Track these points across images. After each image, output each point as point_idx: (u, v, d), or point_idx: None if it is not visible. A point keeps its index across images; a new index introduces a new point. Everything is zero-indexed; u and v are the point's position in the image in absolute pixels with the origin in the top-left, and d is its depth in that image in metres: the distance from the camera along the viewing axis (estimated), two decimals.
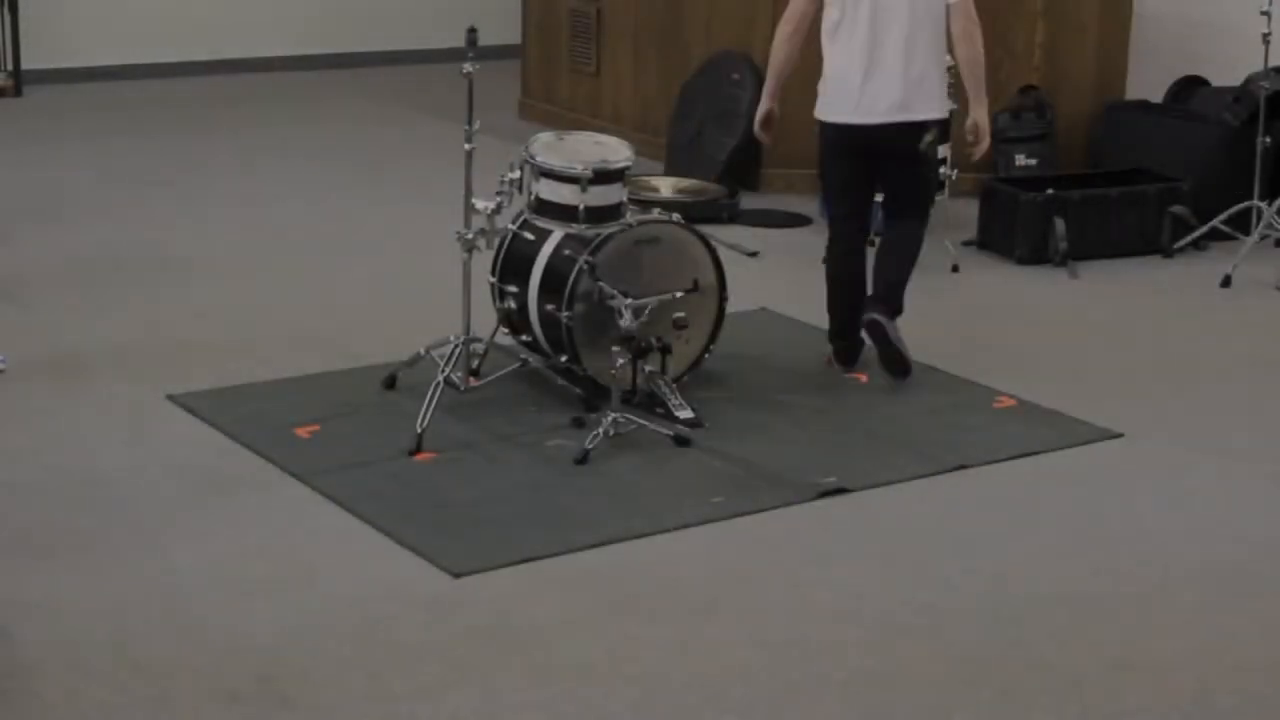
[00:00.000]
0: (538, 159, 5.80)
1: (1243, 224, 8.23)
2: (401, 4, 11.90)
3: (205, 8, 11.45)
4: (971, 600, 4.57)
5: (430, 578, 4.60)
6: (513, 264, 5.86)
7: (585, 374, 5.69)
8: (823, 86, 6.04)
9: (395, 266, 7.40)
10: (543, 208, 5.84)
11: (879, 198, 6.24)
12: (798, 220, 8.14)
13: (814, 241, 7.12)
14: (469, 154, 5.60)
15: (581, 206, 5.72)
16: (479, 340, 5.68)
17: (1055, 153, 8.60)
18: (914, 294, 6.95)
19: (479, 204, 5.61)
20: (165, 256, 7.48)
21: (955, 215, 8.27)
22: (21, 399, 5.74)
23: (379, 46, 11.89)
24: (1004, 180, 8.07)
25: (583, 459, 5.28)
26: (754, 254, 7.51)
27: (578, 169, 5.72)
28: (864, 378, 5.94)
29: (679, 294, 5.60)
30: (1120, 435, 5.73)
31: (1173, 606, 4.57)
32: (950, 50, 6.08)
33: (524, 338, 5.91)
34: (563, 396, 5.76)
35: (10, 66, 10.71)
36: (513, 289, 5.74)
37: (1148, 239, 7.89)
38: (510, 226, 5.78)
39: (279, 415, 5.66)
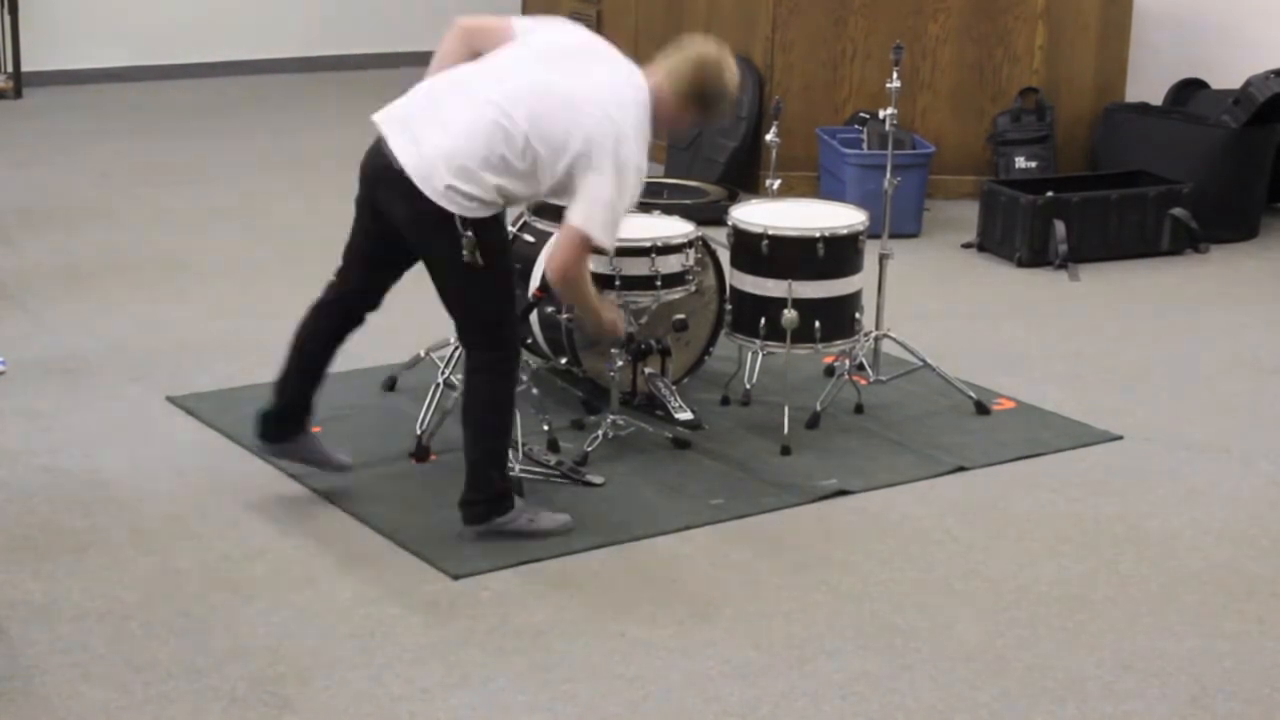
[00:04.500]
0: None
1: (1243, 226, 8.24)
2: (401, 6, 11.91)
3: (205, 10, 11.46)
4: (971, 600, 4.57)
5: (430, 578, 4.60)
6: None
7: (585, 376, 5.69)
8: None
9: None
10: (543, 210, 5.84)
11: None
12: None
13: None
14: None
15: None
16: None
17: (1055, 155, 8.61)
18: (915, 295, 6.96)
19: None
20: (165, 257, 7.48)
21: (956, 218, 8.30)
22: (21, 399, 5.74)
23: (379, 48, 11.89)
24: (1004, 182, 8.08)
25: (582, 461, 5.28)
26: None
27: None
28: (864, 380, 5.94)
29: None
30: (1120, 436, 5.73)
31: (1173, 606, 4.57)
32: None
33: (525, 339, 5.91)
34: (562, 398, 5.76)
35: (10, 68, 10.72)
36: None
37: (1148, 241, 7.90)
38: (510, 228, 5.76)
39: None
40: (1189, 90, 8.80)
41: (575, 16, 9.91)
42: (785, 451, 5.48)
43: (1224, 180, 8.12)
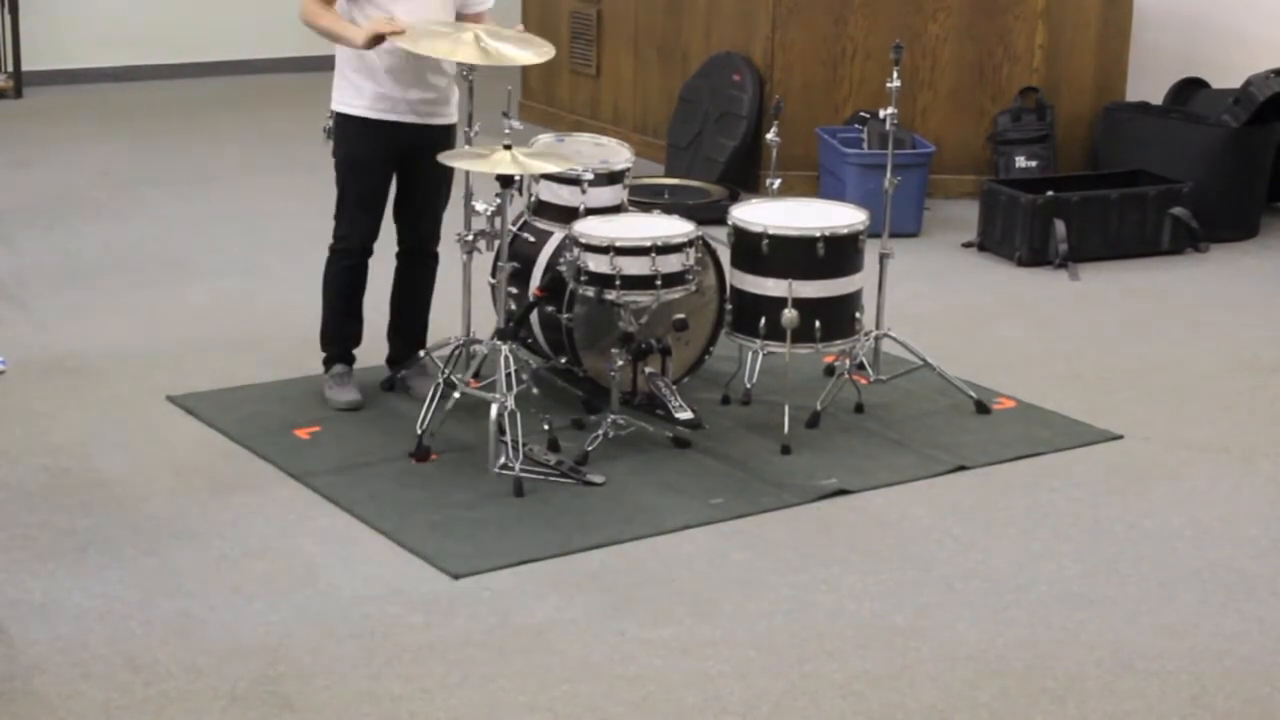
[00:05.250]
0: None
1: (1243, 225, 8.24)
2: None
3: (205, 10, 11.45)
4: (971, 600, 4.57)
5: (430, 578, 4.61)
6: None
7: (585, 375, 5.69)
8: None
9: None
10: (542, 209, 5.85)
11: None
12: None
13: None
14: None
15: (582, 208, 5.72)
16: (479, 342, 5.68)
17: (1055, 154, 8.61)
18: (915, 295, 6.95)
19: (479, 206, 5.62)
20: (165, 256, 7.48)
21: (956, 217, 8.30)
22: (21, 399, 5.74)
23: None
24: (1004, 182, 8.08)
25: (582, 460, 5.28)
26: None
27: (578, 171, 5.72)
28: (864, 379, 5.94)
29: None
30: (1120, 435, 5.73)
31: (1172, 606, 4.57)
32: None
33: (526, 339, 5.91)
34: (562, 398, 5.76)
35: (10, 68, 10.72)
36: (513, 291, 5.73)
37: (1148, 241, 7.90)
38: (510, 228, 5.78)
39: (279, 415, 5.66)
40: (1189, 90, 8.80)
41: (575, 16, 9.96)
42: (785, 451, 5.48)
43: (1224, 179, 8.11)
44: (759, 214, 5.63)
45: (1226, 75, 8.63)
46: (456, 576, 4.61)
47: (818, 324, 5.52)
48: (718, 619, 4.43)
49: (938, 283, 7.43)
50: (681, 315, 5.58)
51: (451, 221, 5.91)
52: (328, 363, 5.83)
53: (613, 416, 5.42)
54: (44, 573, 4.56)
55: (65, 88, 10.95)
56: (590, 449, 5.33)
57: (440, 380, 5.49)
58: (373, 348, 6.30)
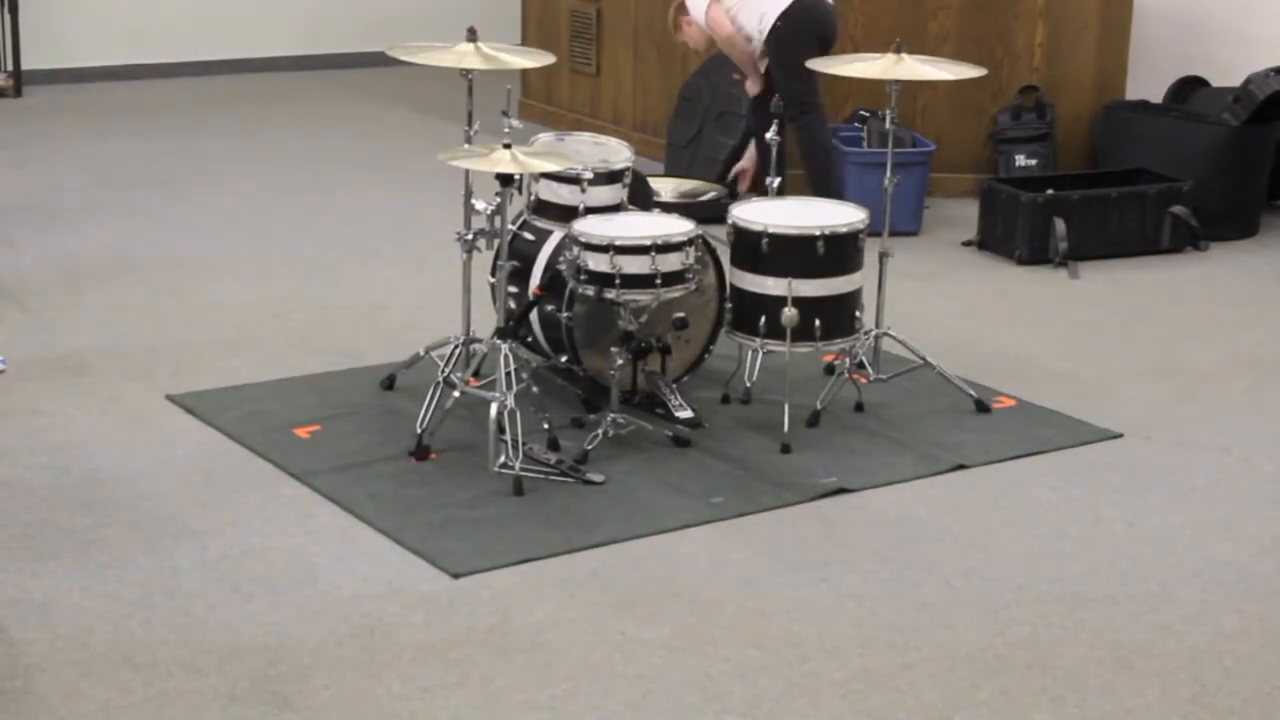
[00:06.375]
0: None
1: (1243, 224, 8.25)
2: (401, 4, 11.91)
3: (205, 8, 11.46)
4: (971, 600, 4.57)
5: (430, 578, 4.61)
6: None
7: (585, 374, 5.69)
8: None
9: (395, 267, 7.41)
10: (542, 208, 5.85)
11: None
12: None
13: None
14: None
15: (581, 207, 5.72)
16: (478, 341, 5.68)
17: (1055, 153, 8.61)
18: (915, 293, 6.96)
19: (479, 204, 5.62)
20: (165, 256, 7.48)
21: (956, 215, 8.30)
22: (21, 399, 5.74)
23: (379, 46, 11.88)
24: (1004, 180, 8.08)
25: (582, 459, 5.28)
26: None
27: (577, 169, 5.72)
28: (864, 378, 5.94)
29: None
30: (1120, 435, 5.73)
31: (1173, 606, 4.57)
32: None
33: (525, 338, 5.91)
34: (562, 397, 5.76)
35: (10, 67, 10.72)
36: (512, 289, 5.73)
37: (1148, 239, 7.90)
38: (510, 227, 5.77)
39: (279, 415, 5.66)
40: (1189, 88, 8.80)
41: (575, 15, 9.95)
42: (785, 450, 5.48)
43: (1224, 178, 8.12)
44: (759, 213, 5.63)
45: (1226, 74, 8.63)
46: (456, 576, 4.61)
47: (817, 323, 5.52)
48: (718, 618, 4.43)
49: (937, 281, 7.43)
50: (681, 314, 5.58)
51: (451, 221, 5.91)
52: None
53: (612, 415, 5.42)
54: (44, 573, 4.56)
55: (65, 87, 10.95)
56: (590, 448, 5.33)
57: (439, 379, 5.49)
58: (375, 346, 6.31)
